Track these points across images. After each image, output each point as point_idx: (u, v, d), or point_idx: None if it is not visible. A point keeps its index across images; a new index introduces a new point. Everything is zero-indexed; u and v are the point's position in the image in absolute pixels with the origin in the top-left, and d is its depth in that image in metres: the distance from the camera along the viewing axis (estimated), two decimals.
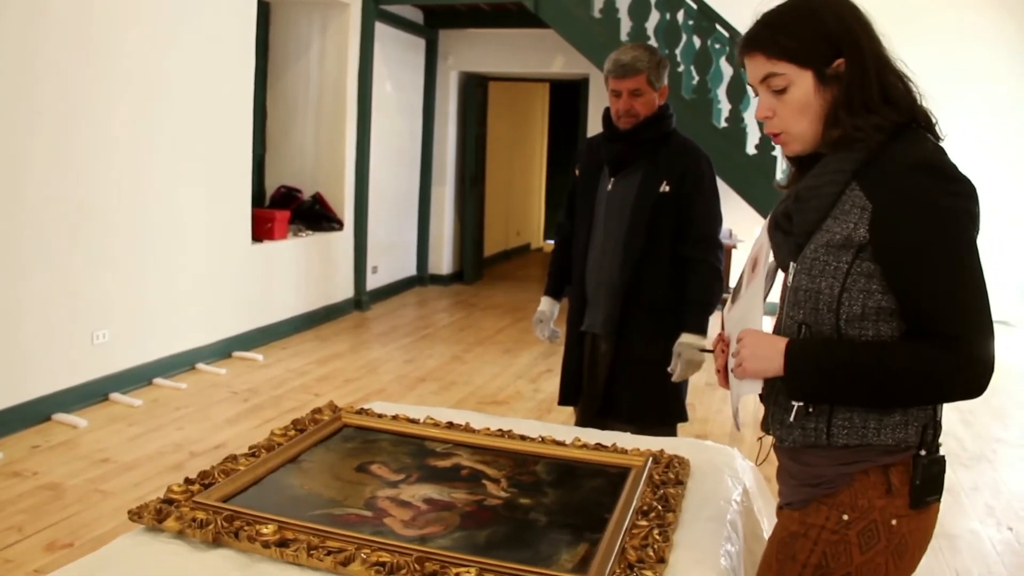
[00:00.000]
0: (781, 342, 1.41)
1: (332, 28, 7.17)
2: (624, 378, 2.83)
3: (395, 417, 2.17)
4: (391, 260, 8.44)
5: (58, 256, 4.46)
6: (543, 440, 2.04)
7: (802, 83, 1.41)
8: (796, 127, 1.44)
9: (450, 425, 2.13)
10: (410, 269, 8.97)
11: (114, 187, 4.81)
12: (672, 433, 2.89)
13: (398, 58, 8.16)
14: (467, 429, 2.10)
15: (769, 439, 1.58)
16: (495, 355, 6.39)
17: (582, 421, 3.00)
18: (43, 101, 4.30)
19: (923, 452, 1.40)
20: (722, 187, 2.82)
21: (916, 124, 1.41)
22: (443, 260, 9.23)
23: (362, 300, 7.69)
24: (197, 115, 5.44)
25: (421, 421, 2.15)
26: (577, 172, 3.00)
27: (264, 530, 1.53)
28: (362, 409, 2.23)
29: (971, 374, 1.31)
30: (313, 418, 2.14)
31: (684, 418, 2.91)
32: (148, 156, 5.05)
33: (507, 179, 11.41)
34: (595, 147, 2.93)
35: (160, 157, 5.15)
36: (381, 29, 7.61)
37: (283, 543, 1.51)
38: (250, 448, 1.96)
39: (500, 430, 2.09)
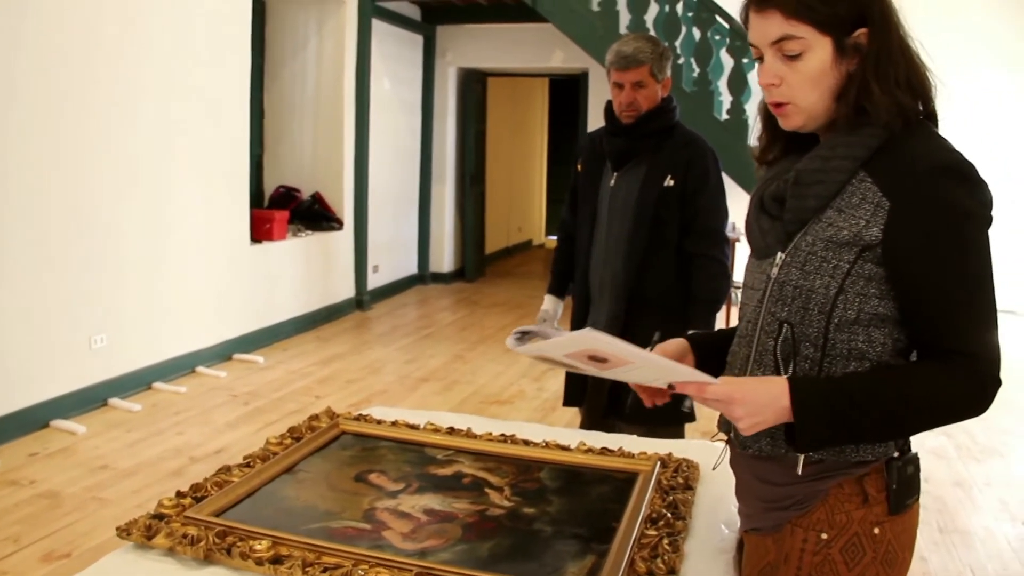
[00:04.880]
0: (777, 385, 1.23)
1: (329, 25, 7.11)
2: None
3: (394, 423, 2.10)
4: (392, 259, 8.38)
5: (54, 260, 4.40)
6: (547, 445, 1.97)
7: (820, 50, 1.26)
8: (806, 98, 1.29)
9: (451, 431, 2.06)
10: (411, 268, 8.91)
11: (109, 189, 4.74)
12: (680, 434, 2.83)
13: (396, 55, 8.09)
14: (468, 435, 2.04)
15: (723, 442, 1.46)
16: (498, 353, 6.32)
17: (587, 422, 2.93)
18: (32, 102, 4.23)
19: (896, 455, 1.31)
20: (725, 180, 2.74)
21: (927, 116, 1.31)
22: (444, 258, 9.17)
23: (363, 300, 7.63)
24: (193, 115, 5.38)
25: (421, 427, 2.08)
26: (579, 167, 2.93)
27: (257, 546, 1.47)
28: (360, 415, 2.17)
29: (985, 395, 1.21)
30: (310, 425, 2.08)
31: (692, 418, 2.84)
32: (144, 158, 4.98)
33: (508, 175, 11.35)
34: (597, 141, 2.85)
35: (156, 158, 5.08)
36: (378, 26, 7.55)
37: (277, 560, 1.45)
38: (244, 458, 1.89)
39: (503, 435, 2.02)
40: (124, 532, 1.55)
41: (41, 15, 4.23)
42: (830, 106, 1.30)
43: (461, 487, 1.78)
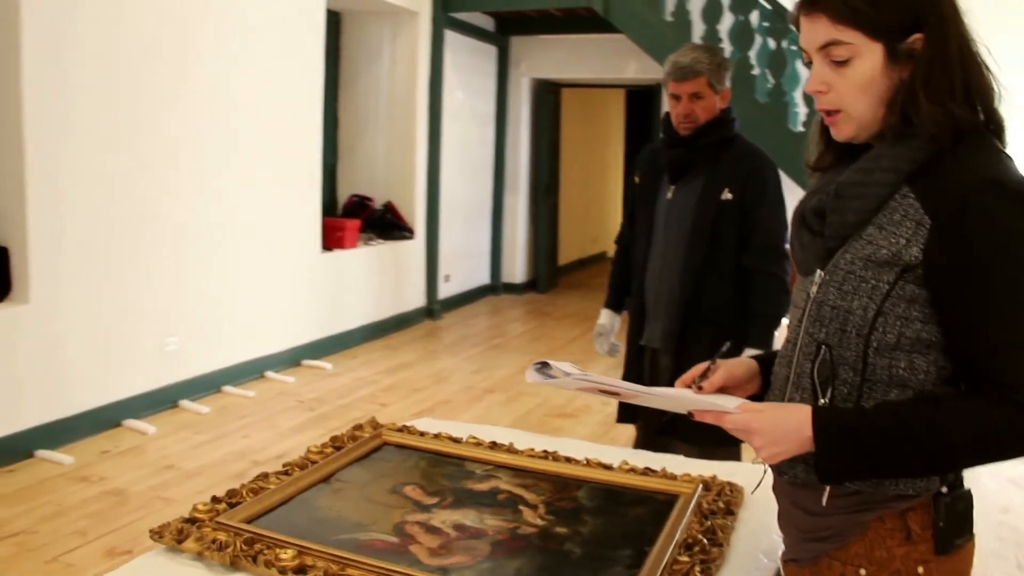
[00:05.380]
0: (800, 413, 1.18)
1: (402, 37, 7.19)
2: None
3: (437, 435, 2.09)
4: (464, 268, 8.41)
5: (129, 265, 4.54)
6: (588, 463, 1.93)
7: (869, 56, 1.19)
8: (856, 106, 1.21)
9: (493, 445, 2.04)
10: (483, 278, 8.93)
11: (184, 195, 4.87)
12: (736, 455, 2.75)
13: (469, 65, 8.14)
14: (510, 450, 2.01)
15: (763, 465, 1.38)
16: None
17: (642, 440, 2.88)
18: (116, 110, 4.37)
19: (944, 490, 1.21)
20: (791, 191, 2.65)
21: (987, 128, 1.20)
22: (516, 268, 9.17)
23: (434, 309, 7.67)
24: (267, 124, 5.49)
25: (464, 440, 2.06)
26: (636, 179, 2.88)
27: (283, 555, 1.46)
28: (404, 426, 2.16)
29: None
30: (352, 435, 2.08)
31: None
32: (219, 166, 5.11)
33: (583, 186, 11.29)
34: (655, 153, 2.81)
35: (231, 166, 5.21)
36: (452, 37, 7.60)
37: (301, 570, 1.44)
38: (284, 465, 1.90)
39: (545, 451, 1.99)
40: (157, 535, 1.57)
41: (128, 28, 4.37)
42: (880, 115, 1.22)
43: (496, 503, 1.75)
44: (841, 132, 1.26)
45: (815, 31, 1.22)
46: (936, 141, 1.17)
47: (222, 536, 1.53)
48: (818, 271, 1.28)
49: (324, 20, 5.99)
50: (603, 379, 1.27)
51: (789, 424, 1.18)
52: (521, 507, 1.73)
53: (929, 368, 1.19)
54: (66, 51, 4.08)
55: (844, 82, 1.21)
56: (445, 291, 7.95)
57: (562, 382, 1.28)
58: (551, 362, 1.24)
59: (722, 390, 1.39)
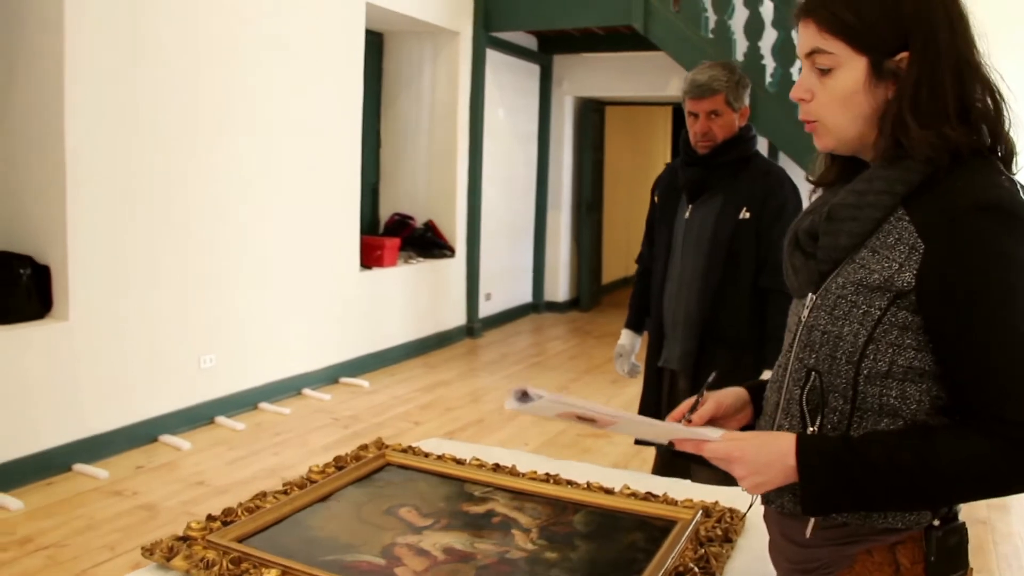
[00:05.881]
0: (784, 441, 1.15)
1: (443, 56, 7.25)
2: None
3: (440, 456, 2.08)
4: (505, 287, 8.41)
5: (167, 281, 4.62)
6: (589, 487, 1.90)
7: (852, 69, 1.16)
8: (833, 119, 1.19)
9: (496, 467, 2.02)
10: (525, 296, 8.92)
11: (223, 213, 4.96)
12: None
13: (511, 84, 8.17)
14: (512, 472, 1.99)
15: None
16: (602, 385, 6.23)
17: (661, 462, 2.84)
18: (156, 129, 4.47)
19: (936, 523, 1.16)
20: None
21: (992, 152, 1.15)
22: (559, 287, 9.14)
23: (474, 327, 7.67)
24: (306, 143, 5.57)
25: (467, 462, 2.05)
26: (655, 199, 2.85)
27: (267, 575, 1.46)
28: (410, 447, 2.15)
29: None
30: (356, 455, 2.08)
31: None
32: (258, 184, 5.19)
33: (627, 204, 11.24)
34: (673, 172, 2.78)
35: (270, 185, 5.29)
36: (494, 56, 7.64)
37: None
38: (284, 484, 1.90)
39: (547, 474, 1.97)
40: (148, 552, 1.58)
41: (168, 48, 4.48)
42: (864, 132, 1.19)
43: (489, 526, 1.73)
44: (821, 142, 1.24)
45: (805, 37, 1.21)
46: (932, 163, 1.12)
47: (211, 555, 1.54)
48: (810, 295, 1.24)
49: (363, 40, 6.06)
50: (577, 403, 1.24)
51: (772, 453, 1.15)
52: (514, 531, 1.70)
53: (922, 397, 1.14)
54: (107, 72, 4.18)
55: (825, 92, 1.19)
56: (486, 309, 7.96)
57: (537, 406, 1.26)
58: (529, 389, 1.23)
59: (712, 422, 1.36)
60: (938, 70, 1.12)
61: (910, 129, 1.12)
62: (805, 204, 2.61)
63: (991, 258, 1.07)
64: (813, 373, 1.20)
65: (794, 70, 6.08)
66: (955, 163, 1.12)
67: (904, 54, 1.14)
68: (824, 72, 1.18)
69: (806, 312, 1.24)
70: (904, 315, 1.12)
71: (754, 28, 6.20)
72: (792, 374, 1.25)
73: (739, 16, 6.42)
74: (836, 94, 1.18)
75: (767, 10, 6.20)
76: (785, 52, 6.05)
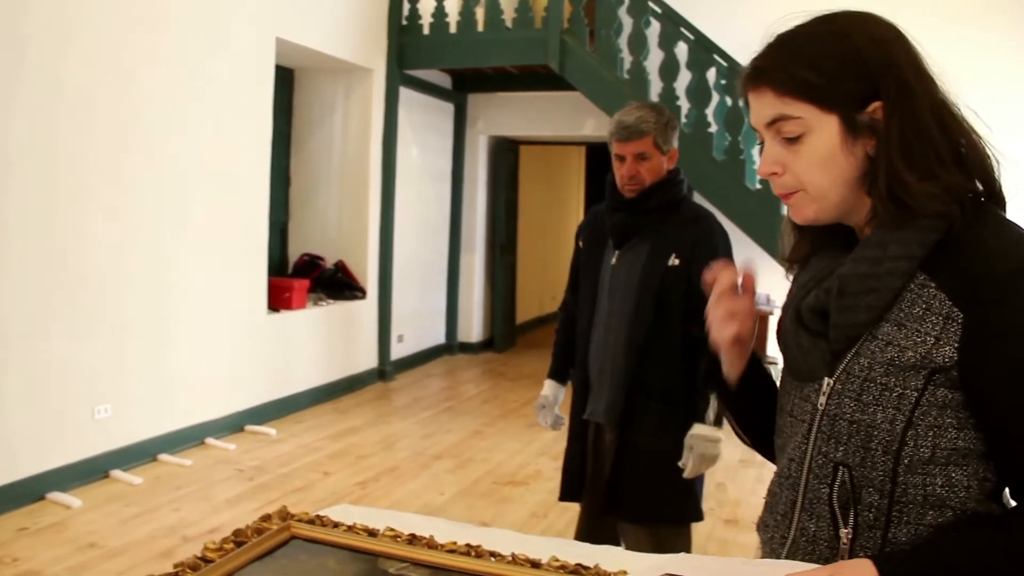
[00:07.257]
0: (862, 569, 0.99)
1: (356, 94, 7.09)
2: (630, 473, 2.52)
3: (351, 527, 1.89)
4: (418, 329, 8.22)
5: (56, 327, 4.31)
6: (515, 559, 1.75)
7: (824, 131, 1.05)
8: (817, 185, 1.07)
9: (412, 539, 1.85)
10: (439, 337, 8.74)
11: (122, 254, 4.67)
12: (686, 537, 2.58)
13: (425, 123, 8.05)
14: (430, 544, 1.82)
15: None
16: (518, 430, 6.09)
17: (585, 520, 2.71)
18: (53, 166, 4.18)
19: None
20: (758, 252, 2.51)
21: (989, 197, 1.07)
22: (473, 328, 9.00)
23: (386, 370, 7.46)
24: (212, 182, 5.32)
25: (380, 533, 1.87)
26: (580, 244, 2.74)
27: None
28: (317, 516, 1.96)
29: None
30: (258, 527, 1.87)
31: (698, 517, 2.60)
32: (156, 224, 4.91)
33: (542, 243, 11.21)
34: (599, 217, 2.67)
35: (171, 221, 5.02)
36: (407, 94, 7.52)
37: None
38: (175, 566, 1.69)
39: (468, 545, 1.80)
40: None
41: (67, 82, 4.21)
42: (845, 195, 1.08)
43: None
44: (800, 214, 1.12)
45: (761, 107, 1.09)
46: (945, 218, 1.02)
47: None
48: (826, 379, 1.11)
49: (273, 75, 5.86)
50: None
51: None
52: None
53: (969, 482, 1.04)
54: (2, 107, 3.90)
55: (799, 161, 1.08)
56: (398, 351, 7.75)
57: None
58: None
59: None
60: (921, 115, 1.03)
61: (909, 184, 1.02)
62: (734, 252, 2.55)
63: None
64: (842, 468, 1.08)
65: (709, 111, 6.13)
66: (967, 216, 1.03)
67: (876, 104, 1.04)
68: (792, 140, 1.08)
69: (823, 399, 1.11)
70: (943, 393, 1.02)
71: (669, 70, 6.23)
72: (814, 470, 1.12)
73: (654, 57, 6.45)
74: (813, 160, 1.07)
75: (681, 52, 6.25)
76: (700, 93, 6.09)
